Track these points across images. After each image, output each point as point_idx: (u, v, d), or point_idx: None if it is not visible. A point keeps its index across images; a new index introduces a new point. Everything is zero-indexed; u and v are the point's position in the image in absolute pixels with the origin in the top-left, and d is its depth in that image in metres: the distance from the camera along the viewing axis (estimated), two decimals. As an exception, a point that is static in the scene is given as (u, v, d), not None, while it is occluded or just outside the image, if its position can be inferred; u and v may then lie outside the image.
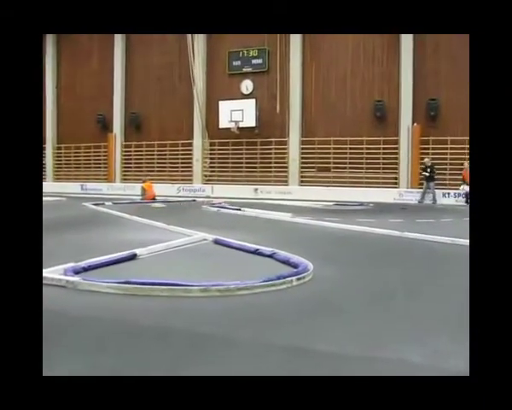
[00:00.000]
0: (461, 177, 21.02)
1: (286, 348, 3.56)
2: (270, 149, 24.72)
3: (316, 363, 3.27)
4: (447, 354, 3.35)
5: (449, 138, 22.00)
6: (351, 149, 23.46)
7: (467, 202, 19.59)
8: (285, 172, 24.55)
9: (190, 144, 26.11)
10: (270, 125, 24.34)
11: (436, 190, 21.63)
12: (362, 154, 23.32)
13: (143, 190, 21.92)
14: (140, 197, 21.83)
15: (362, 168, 23.32)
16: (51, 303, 4.82)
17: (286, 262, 6.48)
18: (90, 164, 28.18)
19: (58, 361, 3.33)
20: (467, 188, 19.58)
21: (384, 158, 23.16)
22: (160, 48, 26.04)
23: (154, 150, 26.87)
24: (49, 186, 27.99)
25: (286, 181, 24.49)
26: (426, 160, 21.69)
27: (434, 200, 21.29)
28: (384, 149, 23.16)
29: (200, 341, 3.73)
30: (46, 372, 2.49)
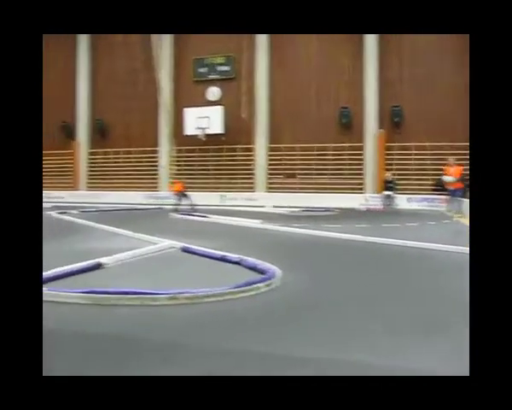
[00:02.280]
0: (428, 182, 21.50)
1: (255, 354, 3.55)
2: (237, 155, 24.75)
3: (286, 368, 3.27)
4: (412, 355, 3.40)
5: (413, 144, 22.41)
6: (317, 155, 23.68)
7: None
8: (251, 178, 24.59)
9: (156, 151, 25.94)
10: (236, 131, 24.37)
11: (401, 196, 21.98)
12: (328, 160, 23.56)
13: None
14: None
15: (328, 174, 23.55)
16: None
17: (253, 268, 6.47)
18: (54, 172, 27.69)
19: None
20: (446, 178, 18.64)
21: (350, 164, 23.45)
22: (125, 54, 25.85)
23: (119, 158, 26.60)
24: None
25: (252, 188, 24.53)
26: (387, 174, 21.94)
27: (391, 205, 21.40)
28: (349, 155, 23.46)
29: (168, 350, 3.70)
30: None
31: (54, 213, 17.25)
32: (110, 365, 3.43)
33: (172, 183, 22.50)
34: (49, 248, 9.12)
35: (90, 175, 27.34)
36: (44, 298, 5.10)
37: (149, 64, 25.19)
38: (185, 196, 20.64)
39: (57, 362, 3.49)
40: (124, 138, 26.32)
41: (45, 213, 17.34)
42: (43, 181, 27.74)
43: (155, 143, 25.88)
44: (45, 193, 26.78)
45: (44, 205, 21.90)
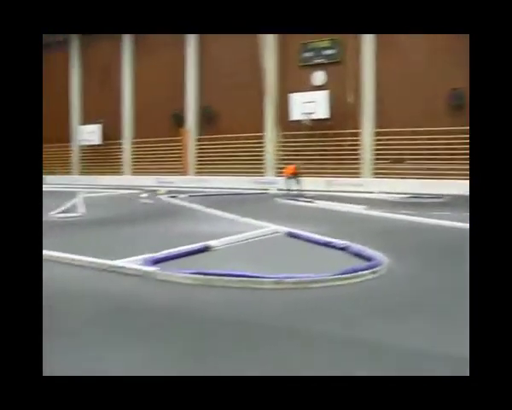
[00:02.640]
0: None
1: (360, 341, 3.53)
2: (343, 140, 24.42)
3: (388, 359, 3.23)
4: None
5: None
6: (426, 139, 22.79)
7: None
8: (358, 163, 24.19)
9: (262, 137, 26.23)
10: (342, 116, 24.03)
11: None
12: (438, 144, 22.60)
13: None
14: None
15: (438, 159, 22.60)
16: (130, 292, 5.02)
17: (359, 255, 6.40)
18: (165, 158, 28.90)
19: (135, 349, 3.46)
20: None
21: (461, 149, 22.34)
22: (231, 42, 26.27)
23: (226, 143, 27.19)
24: (126, 179, 29.08)
25: (359, 173, 24.13)
26: None
27: None
28: (461, 138, 22.33)
29: (274, 334, 3.77)
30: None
31: (165, 198, 18.02)
32: (215, 347, 3.56)
33: (285, 167, 22.39)
34: (160, 231, 9.60)
35: (198, 161, 28.23)
36: (158, 278, 5.38)
37: (255, 51, 25.46)
38: (297, 179, 20.50)
39: (170, 339, 3.67)
40: (230, 125, 26.86)
41: (157, 198, 18.18)
42: (155, 166, 28.97)
43: (261, 129, 26.17)
44: (157, 178, 28.10)
45: (156, 189, 22.95)
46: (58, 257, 6.42)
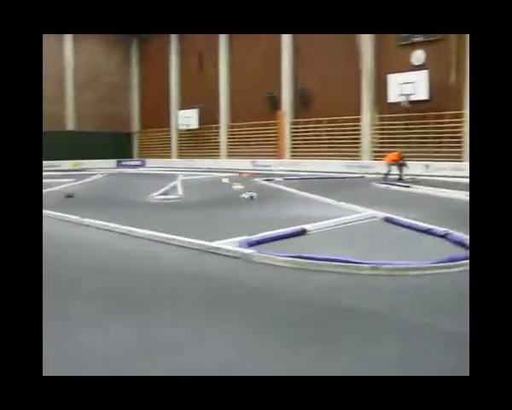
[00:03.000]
0: None
1: (449, 334, 3.41)
2: (444, 122, 23.41)
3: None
4: None
5: None
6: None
7: None
8: (460, 147, 23.13)
9: (358, 120, 25.76)
10: (443, 97, 23.00)
11: None
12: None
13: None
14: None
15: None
16: (227, 273, 5.15)
17: (460, 244, 6.15)
18: (260, 141, 29.20)
19: (230, 330, 3.55)
20: None
21: None
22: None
23: (321, 127, 26.98)
24: (222, 163, 29.71)
25: (460, 157, 23.07)
26: None
27: None
28: None
29: (369, 319, 3.73)
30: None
31: (260, 181, 18.21)
32: (311, 332, 3.58)
33: (387, 152, 21.46)
34: (255, 213, 9.73)
35: (294, 144, 28.23)
36: (255, 260, 5.48)
37: (352, 31, 24.94)
38: (401, 166, 19.44)
39: (271, 321, 3.74)
40: (325, 107, 26.56)
41: (252, 181, 18.40)
42: (251, 149, 29.32)
43: (357, 112, 25.66)
44: (252, 161, 28.50)
45: (251, 172, 23.27)
46: (157, 236, 6.70)
